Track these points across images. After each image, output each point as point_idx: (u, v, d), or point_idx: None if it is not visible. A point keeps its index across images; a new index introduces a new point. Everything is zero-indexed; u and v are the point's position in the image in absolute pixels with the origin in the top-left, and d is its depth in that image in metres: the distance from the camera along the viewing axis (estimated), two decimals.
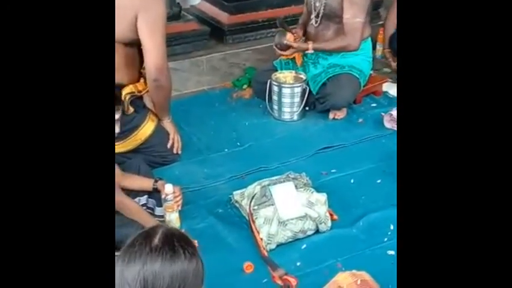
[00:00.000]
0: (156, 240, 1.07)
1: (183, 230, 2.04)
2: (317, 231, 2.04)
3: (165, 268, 1.04)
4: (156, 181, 2.09)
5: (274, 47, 2.88)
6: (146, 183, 2.10)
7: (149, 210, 2.08)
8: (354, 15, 2.74)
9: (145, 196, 2.10)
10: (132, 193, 2.06)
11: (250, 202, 2.03)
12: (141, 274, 1.03)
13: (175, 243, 1.07)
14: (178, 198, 2.05)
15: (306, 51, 2.86)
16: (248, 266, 1.89)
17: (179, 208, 2.07)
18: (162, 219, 2.06)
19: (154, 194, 2.10)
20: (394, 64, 3.34)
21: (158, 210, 2.10)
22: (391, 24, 3.34)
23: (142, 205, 2.07)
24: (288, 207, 1.99)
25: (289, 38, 2.82)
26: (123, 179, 2.05)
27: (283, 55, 2.89)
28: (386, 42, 3.42)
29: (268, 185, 2.08)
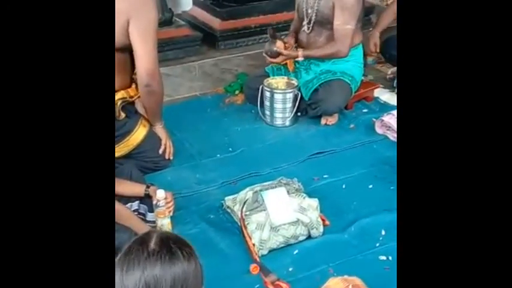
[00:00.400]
0: (153, 245, 1.07)
1: None
2: (309, 237, 2.04)
3: (165, 271, 1.04)
4: (147, 187, 2.08)
5: (264, 54, 2.89)
6: (138, 189, 2.10)
7: (141, 216, 2.07)
8: (345, 22, 2.75)
9: (137, 202, 2.10)
10: (124, 199, 2.05)
11: (242, 207, 2.03)
12: (142, 280, 1.03)
13: (171, 245, 1.07)
14: (170, 204, 2.04)
15: (296, 59, 2.87)
16: (254, 268, 1.88)
17: (171, 214, 2.06)
18: (153, 224, 2.05)
19: (146, 199, 2.10)
20: (390, 71, 3.34)
21: (150, 216, 2.09)
22: (385, 19, 3.26)
23: (134, 211, 2.07)
24: (280, 213, 1.99)
25: (279, 45, 2.83)
26: (115, 184, 2.04)
27: (273, 62, 2.90)
28: (378, 26, 3.31)
29: (260, 190, 2.09)
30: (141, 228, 1.93)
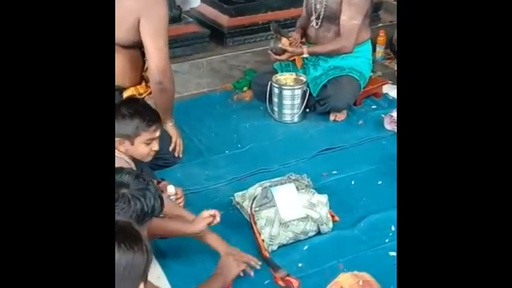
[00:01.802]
0: None
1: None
2: (318, 233, 2.05)
3: None
4: (158, 182, 2.09)
5: (270, 51, 2.89)
6: None
7: None
8: (351, 17, 2.75)
9: None
10: None
11: (252, 203, 2.04)
12: None
13: (119, 232, 1.10)
14: (180, 200, 2.05)
15: (301, 55, 2.87)
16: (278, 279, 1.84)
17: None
18: None
19: None
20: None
21: None
22: None
23: None
24: (289, 209, 2.00)
25: (284, 42, 2.83)
26: None
27: (278, 59, 2.89)
28: None
29: (270, 186, 2.09)
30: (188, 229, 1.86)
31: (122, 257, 1.08)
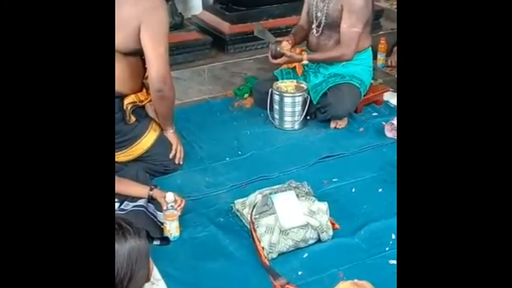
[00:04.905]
0: None
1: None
2: (318, 240, 2.04)
3: (121, 245, 1.09)
4: (151, 189, 2.09)
5: (269, 52, 2.88)
6: (141, 191, 2.10)
7: (152, 216, 2.08)
8: (351, 25, 2.75)
9: (144, 199, 2.10)
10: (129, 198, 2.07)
11: (252, 211, 2.03)
12: None
13: (121, 222, 1.13)
14: (179, 208, 2.04)
15: (301, 62, 2.86)
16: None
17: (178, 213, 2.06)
18: (163, 226, 2.05)
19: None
20: None
21: (160, 216, 2.09)
22: None
23: (140, 206, 2.06)
24: (290, 216, 1.99)
25: (284, 46, 2.82)
26: (117, 182, 2.04)
27: (275, 62, 2.87)
28: None
29: (270, 193, 2.08)
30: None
31: (140, 240, 1.12)
